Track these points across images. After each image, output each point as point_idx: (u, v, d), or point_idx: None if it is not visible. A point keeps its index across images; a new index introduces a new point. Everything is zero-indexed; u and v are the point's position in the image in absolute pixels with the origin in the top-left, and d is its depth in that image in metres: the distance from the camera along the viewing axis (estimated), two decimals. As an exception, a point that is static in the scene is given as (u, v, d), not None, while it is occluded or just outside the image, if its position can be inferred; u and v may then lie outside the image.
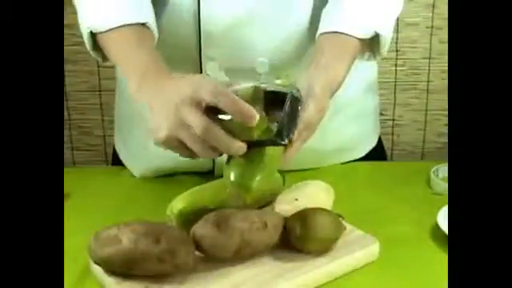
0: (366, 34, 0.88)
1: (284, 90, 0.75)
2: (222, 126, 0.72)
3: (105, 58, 0.91)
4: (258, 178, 0.74)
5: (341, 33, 0.87)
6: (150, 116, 0.76)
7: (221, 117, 0.72)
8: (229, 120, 0.72)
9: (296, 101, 0.75)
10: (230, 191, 0.76)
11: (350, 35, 0.87)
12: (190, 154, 0.75)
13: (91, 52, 0.90)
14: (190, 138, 0.72)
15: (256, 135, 0.74)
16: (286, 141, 0.74)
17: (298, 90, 0.76)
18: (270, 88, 0.75)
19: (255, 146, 0.75)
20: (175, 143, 0.74)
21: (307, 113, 0.78)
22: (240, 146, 0.73)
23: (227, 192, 0.76)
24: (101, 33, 0.86)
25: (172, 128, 0.73)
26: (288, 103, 0.74)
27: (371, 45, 0.93)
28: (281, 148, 0.77)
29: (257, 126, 0.72)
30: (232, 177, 0.73)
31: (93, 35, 0.87)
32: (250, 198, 0.76)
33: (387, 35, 0.90)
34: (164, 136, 0.73)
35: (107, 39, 0.86)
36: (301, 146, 0.79)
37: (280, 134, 0.74)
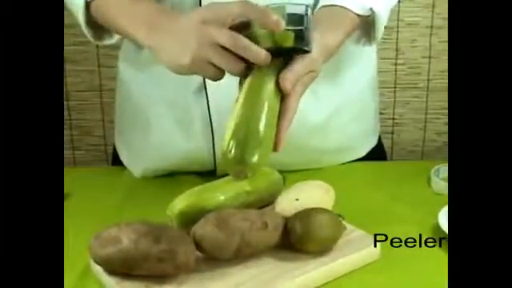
0: (363, 9, 0.89)
1: (299, 10, 0.75)
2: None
3: (96, 35, 0.90)
4: (256, 155, 0.74)
5: (338, 6, 0.88)
6: (163, 52, 0.77)
7: None
8: (249, 33, 0.74)
9: (309, 18, 0.76)
10: (231, 170, 0.75)
11: (347, 8, 0.87)
12: (216, 72, 0.75)
13: (84, 29, 0.89)
14: (217, 53, 0.73)
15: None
16: (310, 47, 0.75)
17: (309, 7, 0.77)
18: (289, 10, 0.75)
19: (278, 56, 0.75)
20: (201, 64, 0.74)
21: (299, 67, 0.77)
22: (267, 54, 0.73)
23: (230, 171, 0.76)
24: None
25: (197, 48, 0.73)
26: (307, 14, 0.75)
27: (367, 29, 0.93)
28: (274, 129, 0.77)
29: (277, 40, 0.74)
30: (232, 152, 0.73)
31: (87, 8, 0.87)
32: (252, 173, 0.75)
33: (383, 16, 0.91)
34: (190, 59, 0.74)
35: (105, 2, 0.86)
36: (293, 113, 0.77)
37: (302, 40, 0.74)
